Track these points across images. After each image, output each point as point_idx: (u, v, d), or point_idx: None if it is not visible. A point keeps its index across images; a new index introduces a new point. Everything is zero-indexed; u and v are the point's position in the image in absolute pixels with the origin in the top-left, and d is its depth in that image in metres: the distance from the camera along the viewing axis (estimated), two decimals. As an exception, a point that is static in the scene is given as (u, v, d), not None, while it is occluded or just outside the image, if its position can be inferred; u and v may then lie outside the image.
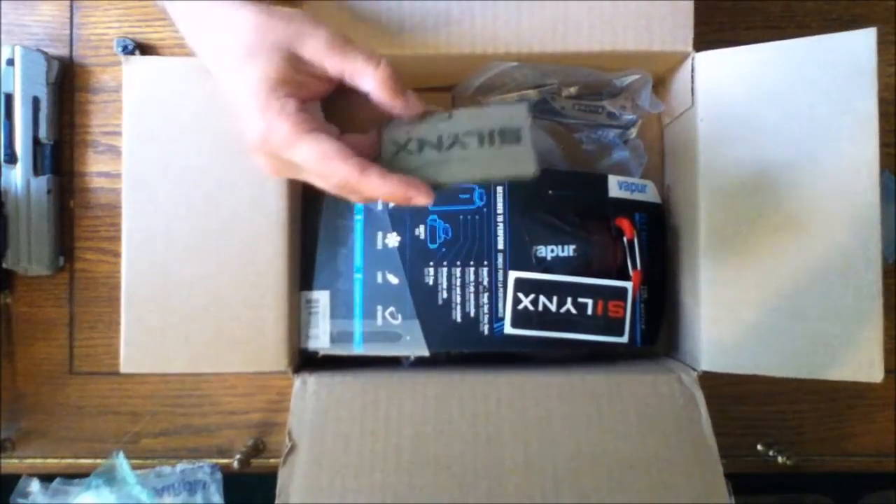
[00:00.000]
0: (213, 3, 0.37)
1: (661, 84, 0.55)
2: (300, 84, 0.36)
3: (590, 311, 0.49)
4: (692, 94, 0.49)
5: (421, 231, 0.49)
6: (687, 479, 0.43)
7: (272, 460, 0.58)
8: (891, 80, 0.57)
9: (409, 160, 0.37)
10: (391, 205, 0.49)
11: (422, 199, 0.35)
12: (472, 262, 0.49)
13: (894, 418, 0.58)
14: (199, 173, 0.47)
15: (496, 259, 0.49)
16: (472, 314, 0.49)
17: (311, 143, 0.35)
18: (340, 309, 0.50)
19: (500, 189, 0.49)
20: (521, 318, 0.48)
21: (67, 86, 0.58)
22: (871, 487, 0.70)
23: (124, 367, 0.46)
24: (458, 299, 0.49)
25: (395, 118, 0.39)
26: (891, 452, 0.58)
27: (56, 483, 0.56)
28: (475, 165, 0.36)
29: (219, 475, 0.57)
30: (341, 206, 0.50)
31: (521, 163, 0.37)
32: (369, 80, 0.36)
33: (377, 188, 0.35)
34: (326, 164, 0.35)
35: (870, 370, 0.44)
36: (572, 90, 0.54)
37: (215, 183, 0.46)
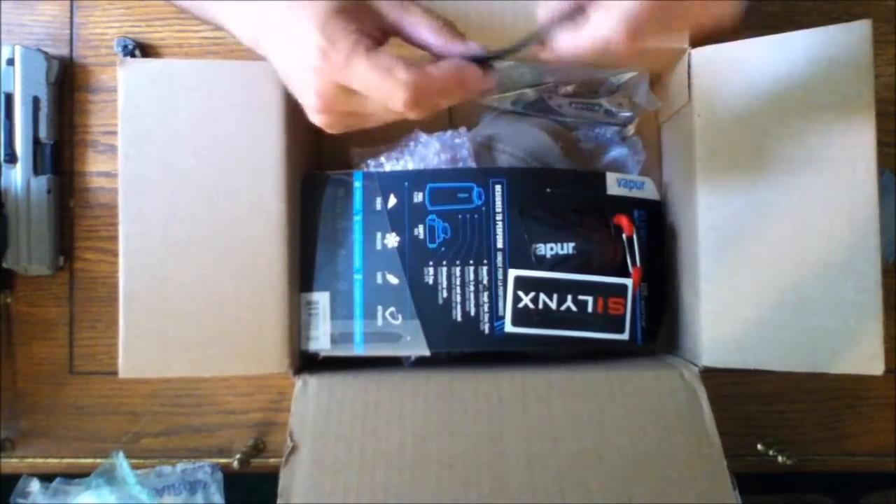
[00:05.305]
0: None
1: (657, 81, 0.56)
2: (361, 20, 0.36)
3: (590, 309, 0.49)
4: (689, 90, 0.49)
5: (420, 231, 0.49)
6: (690, 474, 0.42)
7: (272, 460, 0.58)
8: (891, 80, 0.57)
9: None
10: (390, 205, 0.49)
11: (480, 81, 0.36)
12: (471, 262, 0.49)
13: (894, 418, 0.58)
14: (196, 176, 0.46)
15: (496, 258, 0.49)
16: (472, 313, 0.49)
17: (372, 59, 0.35)
18: (340, 310, 0.49)
19: (498, 188, 0.49)
20: (521, 317, 0.48)
21: (67, 86, 0.59)
22: (871, 487, 0.69)
23: (123, 372, 0.45)
24: (458, 298, 0.49)
25: None
26: (891, 452, 0.58)
27: (56, 483, 0.56)
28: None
29: (219, 475, 0.57)
30: (340, 208, 0.50)
31: None
32: (426, 29, 0.37)
33: (442, 81, 0.36)
34: (390, 78, 0.35)
35: (870, 363, 0.44)
36: (569, 88, 0.54)
37: (213, 185, 0.46)
